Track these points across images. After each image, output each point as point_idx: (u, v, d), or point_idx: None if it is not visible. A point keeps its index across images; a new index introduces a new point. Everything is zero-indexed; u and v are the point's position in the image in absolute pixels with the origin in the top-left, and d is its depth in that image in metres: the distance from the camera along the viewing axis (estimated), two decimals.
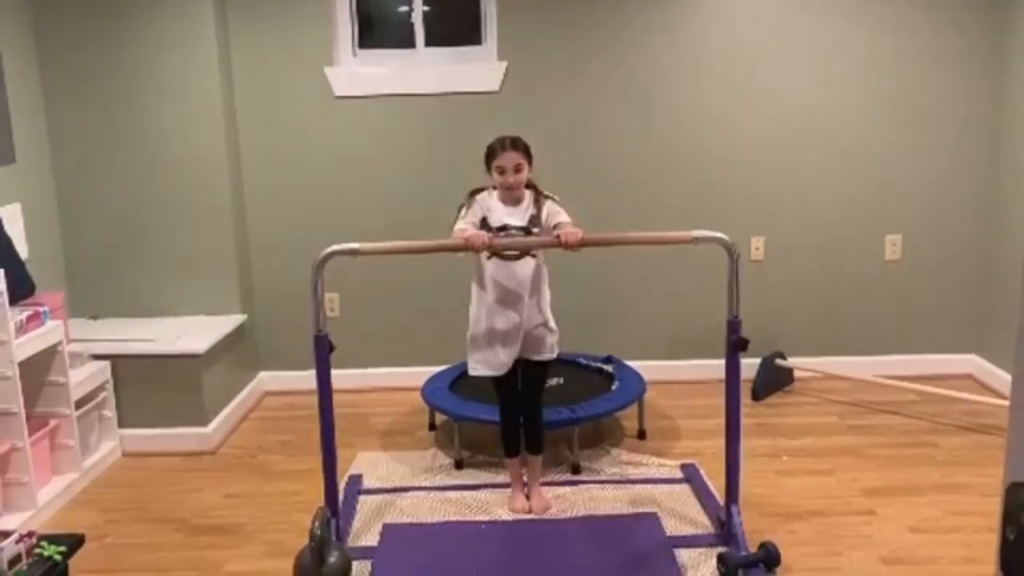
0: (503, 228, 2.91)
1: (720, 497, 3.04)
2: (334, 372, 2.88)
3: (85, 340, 3.80)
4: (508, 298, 2.95)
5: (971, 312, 4.40)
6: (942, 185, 4.32)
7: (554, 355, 3.09)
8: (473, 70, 4.29)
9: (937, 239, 4.37)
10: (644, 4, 4.19)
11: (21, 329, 3.17)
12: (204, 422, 3.83)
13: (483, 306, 3.00)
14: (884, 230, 4.37)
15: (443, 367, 4.02)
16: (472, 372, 3.11)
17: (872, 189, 4.33)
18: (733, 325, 2.81)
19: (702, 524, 3.01)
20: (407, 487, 3.36)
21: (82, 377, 3.56)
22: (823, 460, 3.52)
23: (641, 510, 3.11)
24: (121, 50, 4.01)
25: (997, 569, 0.87)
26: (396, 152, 4.33)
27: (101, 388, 3.70)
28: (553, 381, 3.58)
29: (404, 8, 4.40)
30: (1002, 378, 4.05)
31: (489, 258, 2.93)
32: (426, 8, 4.36)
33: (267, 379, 4.53)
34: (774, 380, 4.27)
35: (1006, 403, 0.93)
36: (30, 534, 2.35)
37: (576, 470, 3.43)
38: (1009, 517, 0.85)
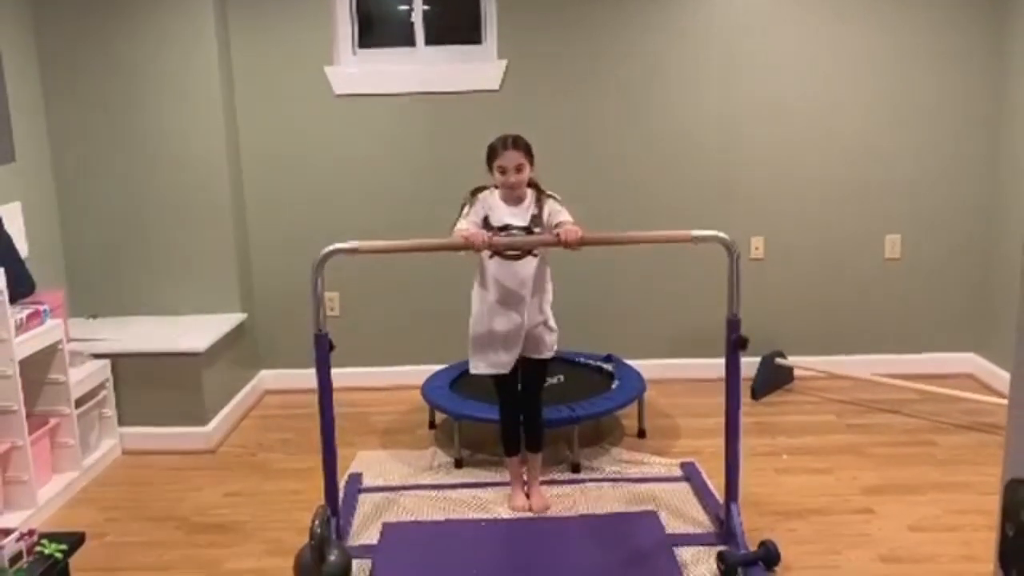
0: (505, 228, 2.91)
1: (720, 496, 3.05)
2: (334, 371, 2.88)
3: (85, 339, 3.80)
4: (510, 298, 2.95)
5: (971, 311, 4.41)
6: (942, 184, 4.32)
7: (553, 353, 3.09)
8: (473, 69, 4.29)
9: (937, 238, 4.37)
10: (644, 4, 4.19)
11: (21, 327, 3.17)
12: (204, 421, 3.84)
13: (484, 306, 3.00)
14: (884, 229, 4.38)
15: (443, 366, 4.02)
16: (473, 370, 3.11)
17: (872, 188, 4.33)
18: (733, 324, 2.81)
19: (702, 523, 3.02)
20: (407, 486, 3.36)
21: (82, 376, 3.56)
22: (822, 459, 3.52)
23: (641, 509, 3.12)
24: (121, 48, 4.02)
25: (996, 566, 0.88)
26: (396, 151, 4.34)
27: (101, 387, 3.71)
28: (553, 380, 3.59)
29: (404, 7, 4.40)
30: (1002, 377, 4.06)
31: (491, 257, 2.94)
32: (426, 7, 4.36)
33: (267, 378, 4.53)
34: (774, 379, 4.28)
35: (1005, 402, 0.94)
36: (31, 532, 2.34)
37: (576, 469, 3.43)
38: (1008, 514, 0.86)
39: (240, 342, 4.25)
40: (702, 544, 2.84)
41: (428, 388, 3.82)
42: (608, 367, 3.97)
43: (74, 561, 2.40)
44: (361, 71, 4.32)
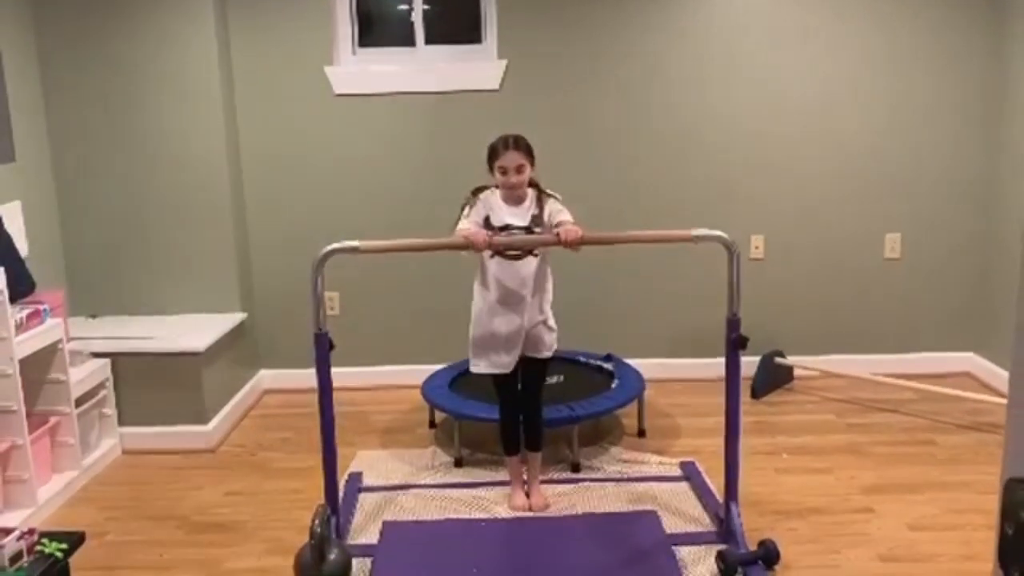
0: (505, 228, 2.91)
1: (719, 495, 3.05)
2: (334, 370, 2.88)
3: (85, 338, 3.81)
4: (510, 298, 2.95)
5: (970, 310, 4.41)
6: (941, 184, 4.33)
7: (552, 352, 3.09)
8: (473, 68, 4.29)
9: (936, 238, 4.37)
10: (645, 3, 4.19)
11: (21, 327, 3.17)
12: (204, 420, 3.84)
13: (485, 305, 3.01)
14: (883, 229, 4.38)
15: (443, 365, 4.03)
16: (474, 369, 3.11)
17: (871, 188, 4.33)
18: (732, 323, 2.81)
19: (701, 522, 3.02)
20: (407, 485, 3.36)
21: (82, 375, 3.56)
22: (822, 458, 3.52)
23: (641, 508, 3.12)
24: (121, 48, 4.02)
25: (995, 564, 0.88)
26: (396, 150, 4.34)
27: (101, 386, 3.71)
28: (553, 379, 3.59)
29: (404, 6, 4.40)
30: (1001, 376, 4.06)
31: (492, 257, 2.94)
32: (426, 6, 4.36)
33: (267, 377, 4.53)
34: (773, 378, 4.28)
35: (1005, 401, 0.94)
36: (31, 531, 2.35)
37: (576, 468, 3.44)
38: (1007, 513, 0.86)
39: (240, 341, 4.25)
40: (702, 543, 2.85)
41: (428, 387, 3.82)
42: (608, 366, 3.97)
43: (74, 560, 2.40)
44: (361, 71, 4.32)
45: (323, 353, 2.84)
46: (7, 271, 3.10)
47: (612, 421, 3.85)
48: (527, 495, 3.17)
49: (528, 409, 3.15)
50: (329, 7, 4.22)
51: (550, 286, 3.05)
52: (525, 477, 3.21)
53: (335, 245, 2.78)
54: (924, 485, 3.26)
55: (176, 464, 3.68)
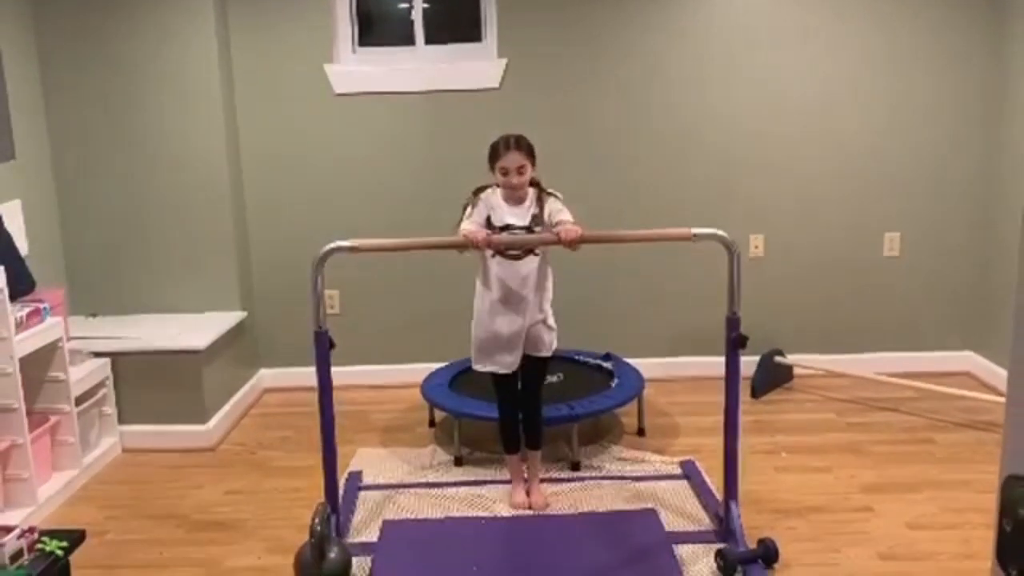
0: (506, 227, 2.92)
1: (719, 494, 3.05)
2: (334, 369, 2.89)
3: (85, 337, 3.81)
4: (511, 298, 2.96)
5: (969, 309, 4.41)
6: (940, 183, 4.33)
7: (552, 351, 3.09)
8: (473, 67, 4.29)
9: (935, 237, 4.38)
10: (645, 3, 4.19)
11: (21, 325, 3.18)
12: (204, 419, 3.84)
13: (487, 305, 3.01)
14: (883, 227, 4.38)
15: (443, 364, 4.03)
16: (477, 367, 3.11)
17: (871, 187, 4.34)
18: (732, 322, 2.82)
19: (701, 520, 3.02)
20: (407, 484, 3.37)
21: (82, 374, 3.57)
22: (821, 457, 3.53)
23: (640, 507, 3.12)
24: (121, 47, 4.02)
25: (994, 561, 0.88)
26: (396, 149, 4.34)
27: (101, 385, 3.71)
28: (552, 378, 3.59)
29: (404, 5, 4.40)
30: (1000, 375, 4.06)
31: (493, 256, 2.94)
32: (426, 5, 4.36)
33: (267, 376, 4.53)
34: (773, 377, 4.28)
35: (1004, 400, 0.94)
36: (31, 530, 2.35)
37: (576, 467, 3.44)
38: (1005, 510, 0.86)
39: (240, 340, 4.25)
40: (701, 542, 2.85)
41: (428, 386, 3.82)
42: (607, 365, 3.97)
43: (75, 559, 2.41)
44: (361, 70, 4.32)
45: (323, 352, 2.84)
46: (7, 270, 3.10)
47: (612, 420, 3.85)
48: (527, 493, 3.17)
49: (528, 408, 3.15)
50: (329, 6, 4.22)
51: (550, 285, 3.06)
52: (525, 475, 3.21)
53: (335, 244, 2.78)
54: (923, 484, 3.26)
55: (176, 463, 3.68)
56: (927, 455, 3.52)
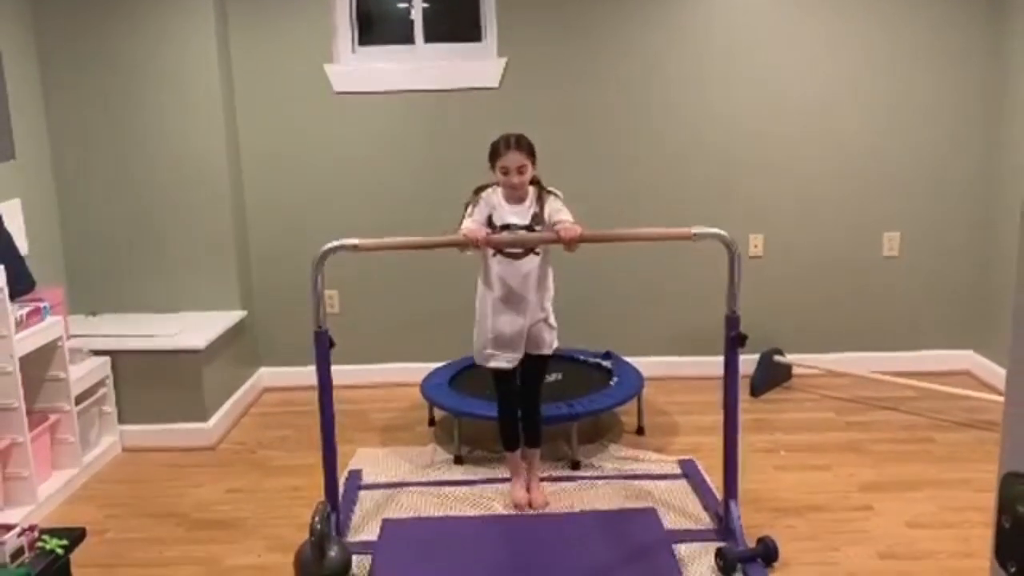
0: (507, 226, 2.92)
1: (718, 492, 3.06)
2: (334, 368, 2.89)
3: (85, 336, 3.81)
4: (513, 296, 2.97)
5: (968, 308, 4.41)
6: (940, 182, 4.33)
7: (552, 350, 3.10)
8: (473, 66, 4.29)
9: (935, 236, 4.38)
10: (644, 2, 4.19)
11: (21, 324, 3.18)
12: (204, 418, 3.84)
13: (488, 304, 3.02)
14: (882, 227, 4.38)
15: (442, 363, 4.03)
16: (479, 362, 3.11)
17: (870, 186, 4.34)
18: (731, 321, 2.82)
19: (700, 519, 3.03)
20: (407, 482, 3.37)
21: (82, 373, 3.57)
22: (821, 456, 3.53)
23: (640, 505, 3.12)
24: (121, 46, 4.02)
25: (992, 558, 0.88)
26: (396, 148, 4.34)
27: (101, 384, 3.71)
28: (552, 377, 3.59)
29: (403, 4, 4.40)
30: (999, 374, 4.06)
31: (494, 255, 2.95)
32: (425, 4, 4.36)
33: (267, 375, 4.54)
34: (772, 376, 4.28)
35: (1003, 399, 0.94)
36: (31, 528, 2.35)
37: (575, 466, 3.44)
38: (1004, 507, 0.86)
39: (240, 339, 4.26)
40: (701, 541, 2.85)
41: (427, 385, 3.82)
42: (607, 364, 3.97)
43: (75, 558, 2.41)
44: (360, 69, 4.32)
45: (323, 351, 2.84)
46: (7, 269, 3.10)
47: (611, 419, 3.86)
48: (527, 490, 3.18)
49: (527, 406, 3.15)
50: (329, 5, 4.22)
51: (551, 284, 3.06)
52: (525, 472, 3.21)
53: (335, 243, 2.79)
54: (923, 483, 3.26)
55: (176, 461, 3.68)
56: (927, 454, 3.53)
